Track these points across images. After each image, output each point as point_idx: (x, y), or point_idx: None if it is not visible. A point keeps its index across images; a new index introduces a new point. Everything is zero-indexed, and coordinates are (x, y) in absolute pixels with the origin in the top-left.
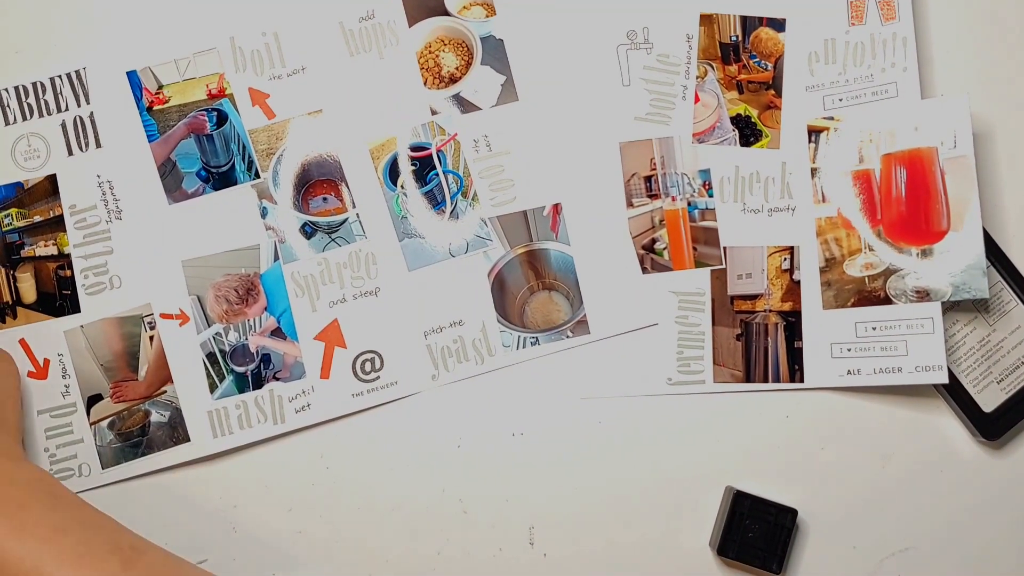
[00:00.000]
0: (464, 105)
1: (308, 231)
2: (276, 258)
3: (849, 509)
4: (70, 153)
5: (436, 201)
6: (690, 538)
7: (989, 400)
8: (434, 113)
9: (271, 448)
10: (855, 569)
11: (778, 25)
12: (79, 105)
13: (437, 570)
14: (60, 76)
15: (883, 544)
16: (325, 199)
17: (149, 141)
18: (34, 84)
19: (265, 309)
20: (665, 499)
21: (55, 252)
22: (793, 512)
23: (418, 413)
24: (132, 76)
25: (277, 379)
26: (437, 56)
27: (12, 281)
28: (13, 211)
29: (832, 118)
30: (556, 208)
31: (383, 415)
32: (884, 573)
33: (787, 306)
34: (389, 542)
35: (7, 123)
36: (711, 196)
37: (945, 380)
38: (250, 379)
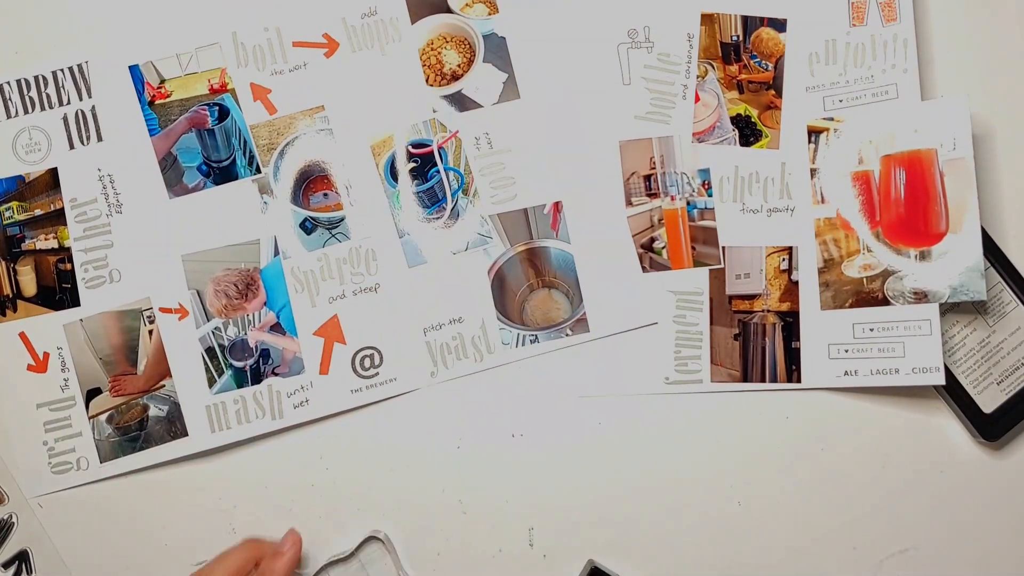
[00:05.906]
0: (466, 103)
1: (308, 227)
2: (276, 253)
3: (849, 510)
4: (71, 147)
5: (437, 198)
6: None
7: (989, 401)
8: (435, 111)
9: (270, 448)
10: (855, 570)
11: (779, 25)
12: (81, 99)
13: (437, 570)
14: (62, 70)
15: (883, 545)
16: (326, 195)
17: (150, 135)
18: (36, 77)
19: (264, 304)
20: (664, 500)
21: (55, 245)
22: None
23: (418, 414)
24: (134, 70)
25: (276, 374)
26: (439, 53)
27: (12, 274)
28: (14, 204)
29: (832, 119)
30: (556, 206)
31: (383, 416)
32: (884, 574)
33: (785, 306)
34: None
35: (9, 116)
36: (710, 196)
37: (942, 382)
38: (249, 374)
